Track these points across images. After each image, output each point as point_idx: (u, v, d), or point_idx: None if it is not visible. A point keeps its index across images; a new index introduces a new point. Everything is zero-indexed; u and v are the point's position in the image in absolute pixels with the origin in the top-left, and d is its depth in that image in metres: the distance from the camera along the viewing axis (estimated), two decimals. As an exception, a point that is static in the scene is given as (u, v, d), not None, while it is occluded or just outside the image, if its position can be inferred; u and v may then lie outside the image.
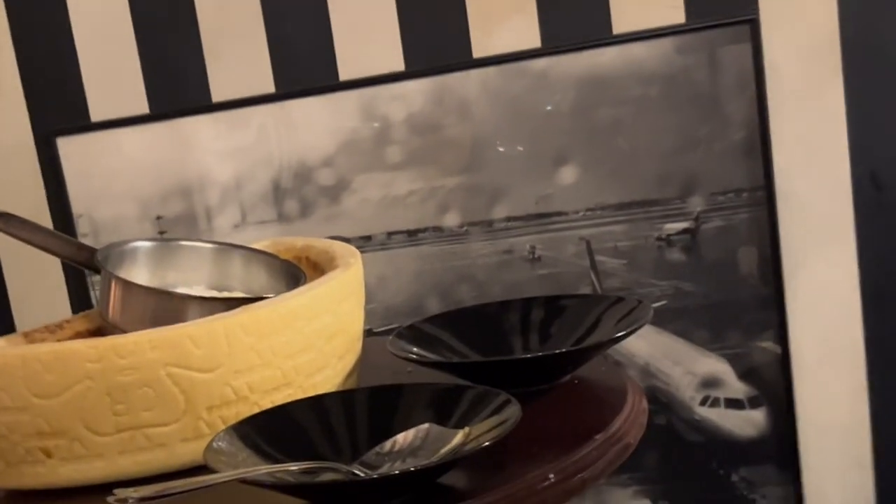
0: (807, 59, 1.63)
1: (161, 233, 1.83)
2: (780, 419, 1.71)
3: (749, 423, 1.73)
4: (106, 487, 0.72)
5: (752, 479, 1.74)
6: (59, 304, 1.91)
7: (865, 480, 1.72)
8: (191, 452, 0.81)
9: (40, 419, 0.79)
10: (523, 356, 0.96)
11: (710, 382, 1.73)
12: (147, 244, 1.04)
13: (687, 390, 1.74)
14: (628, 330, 0.89)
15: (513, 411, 0.72)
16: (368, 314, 1.03)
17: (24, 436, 0.80)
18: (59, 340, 0.98)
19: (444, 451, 0.71)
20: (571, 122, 1.70)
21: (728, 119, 1.65)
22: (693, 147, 1.67)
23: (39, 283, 1.91)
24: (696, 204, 1.68)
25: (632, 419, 0.82)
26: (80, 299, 1.91)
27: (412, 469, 0.69)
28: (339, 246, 1.05)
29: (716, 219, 1.68)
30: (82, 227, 1.86)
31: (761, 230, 1.66)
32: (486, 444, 0.68)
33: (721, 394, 1.73)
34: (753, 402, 1.72)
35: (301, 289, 0.91)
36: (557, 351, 0.92)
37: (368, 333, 1.01)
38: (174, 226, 1.83)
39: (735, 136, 1.65)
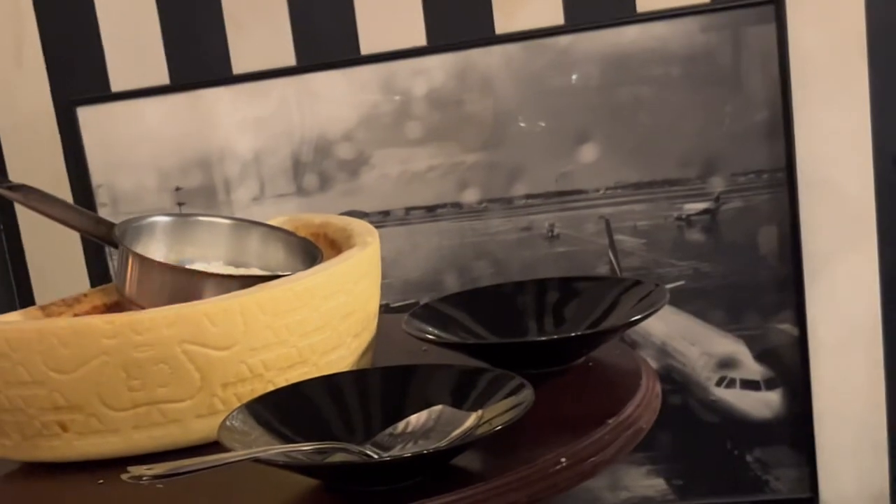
0: (832, 40, 1.61)
1: (180, 204, 1.83)
2: (796, 401, 1.71)
3: (765, 404, 1.72)
4: (120, 461, 0.73)
5: (767, 460, 1.74)
6: (77, 276, 1.92)
7: (881, 464, 1.72)
8: (205, 428, 0.82)
9: (56, 393, 0.80)
10: (538, 339, 0.96)
11: (726, 363, 1.73)
12: (165, 219, 1.04)
13: (703, 371, 1.73)
14: (643, 314, 0.89)
15: (526, 395, 0.72)
16: (386, 289, 1.03)
17: (41, 409, 0.81)
18: (76, 314, 0.99)
19: (456, 433, 0.71)
20: (593, 99, 1.69)
21: (750, 100, 1.64)
22: (715, 127, 1.66)
23: (58, 256, 1.92)
24: (717, 184, 1.68)
25: (645, 403, 0.82)
26: (98, 272, 1.91)
27: (424, 452, 0.69)
28: (357, 224, 1.05)
29: (736, 199, 1.67)
30: (101, 197, 1.86)
31: (782, 212, 1.66)
32: (499, 427, 0.68)
33: (737, 375, 1.73)
34: (770, 384, 1.72)
35: (317, 267, 0.91)
36: (573, 334, 0.92)
37: (385, 308, 1.01)
38: (193, 197, 1.83)
39: (757, 116, 1.64)
